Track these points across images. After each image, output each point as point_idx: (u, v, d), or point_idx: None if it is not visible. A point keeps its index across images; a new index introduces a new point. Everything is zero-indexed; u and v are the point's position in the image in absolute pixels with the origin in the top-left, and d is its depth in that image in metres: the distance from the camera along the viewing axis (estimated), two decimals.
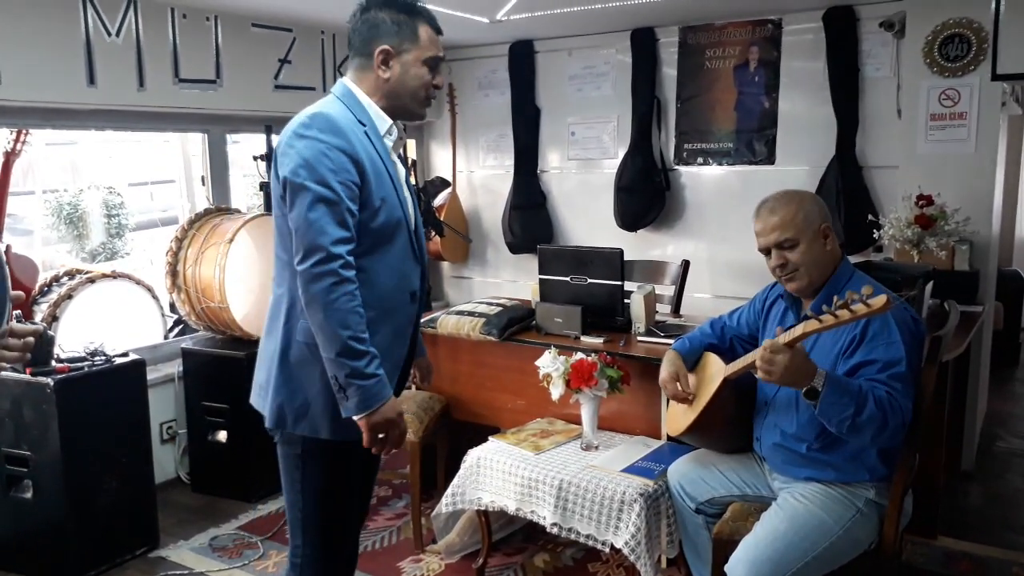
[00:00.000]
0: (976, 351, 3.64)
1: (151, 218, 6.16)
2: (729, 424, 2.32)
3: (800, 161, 4.18)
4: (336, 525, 1.98)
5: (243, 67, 3.88)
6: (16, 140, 3.35)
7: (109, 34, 3.33)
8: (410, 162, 5.13)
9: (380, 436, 1.78)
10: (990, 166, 3.61)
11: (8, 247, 3.50)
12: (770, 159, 4.29)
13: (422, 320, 3.30)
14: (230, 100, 3.83)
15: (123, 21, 3.38)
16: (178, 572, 2.98)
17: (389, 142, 1.90)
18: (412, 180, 2.16)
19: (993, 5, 3.49)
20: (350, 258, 1.74)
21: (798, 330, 1.86)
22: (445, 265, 5.40)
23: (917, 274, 2.93)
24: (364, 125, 1.84)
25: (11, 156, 3.37)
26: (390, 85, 1.87)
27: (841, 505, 2.05)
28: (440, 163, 5.31)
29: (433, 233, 4.83)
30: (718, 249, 4.48)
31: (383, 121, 1.88)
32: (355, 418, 1.75)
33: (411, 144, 5.29)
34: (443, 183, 4.99)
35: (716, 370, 2.28)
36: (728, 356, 2.34)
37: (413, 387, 2.32)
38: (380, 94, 1.88)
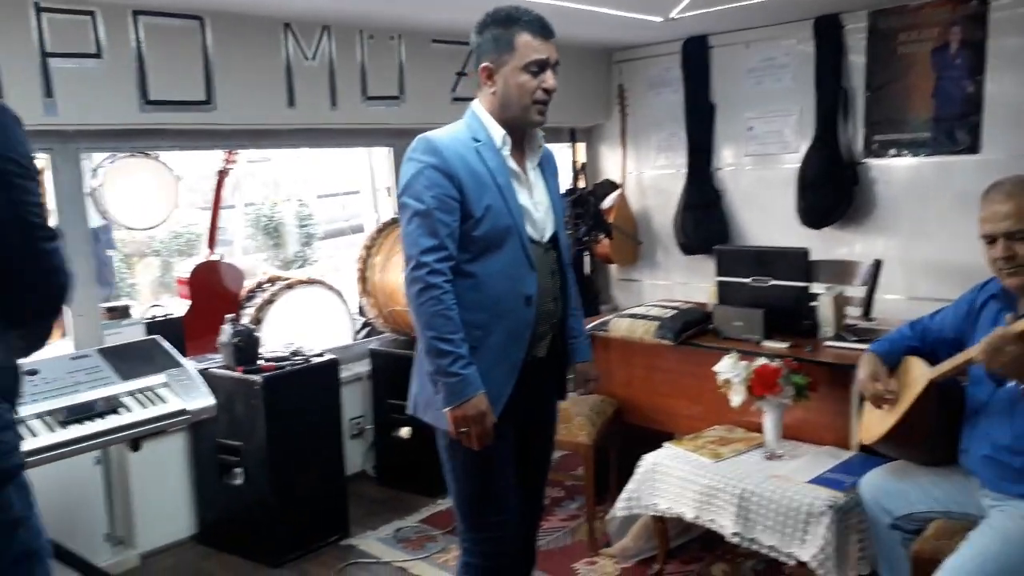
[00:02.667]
0: None
1: (339, 227, 6.61)
2: (931, 433, 2.15)
3: (1011, 148, 3.78)
4: (490, 512, 2.07)
5: (424, 82, 4.05)
6: (227, 160, 3.70)
7: (306, 58, 3.60)
8: (579, 166, 5.16)
9: (463, 430, 1.92)
10: None
11: (221, 256, 3.88)
12: (973, 148, 3.91)
13: (594, 324, 3.33)
14: (412, 114, 4.02)
15: (319, 45, 3.64)
16: (367, 560, 3.17)
17: (506, 153, 2.00)
18: (562, 189, 2.21)
19: None
20: (440, 265, 1.89)
21: (1019, 325, 1.69)
22: (613, 268, 5.37)
23: None
24: (479, 141, 1.98)
25: (223, 174, 3.72)
26: (498, 98, 1.99)
27: None
28: (610, 165, 5.29)
29: (602, 236, 4.83)
30: (913, 247, 4.14)
31: (497, 134, 2.00)
32: (444, 411, 1.92)
33: (580, 147, 5.31)
34: (612, 185, 4.98)
35: (919, 373, 2.12)
36: (930, 360, 2.17)
37: (574, 393, 2.35)
38: (494, 108, 2.01)
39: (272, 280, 3.97)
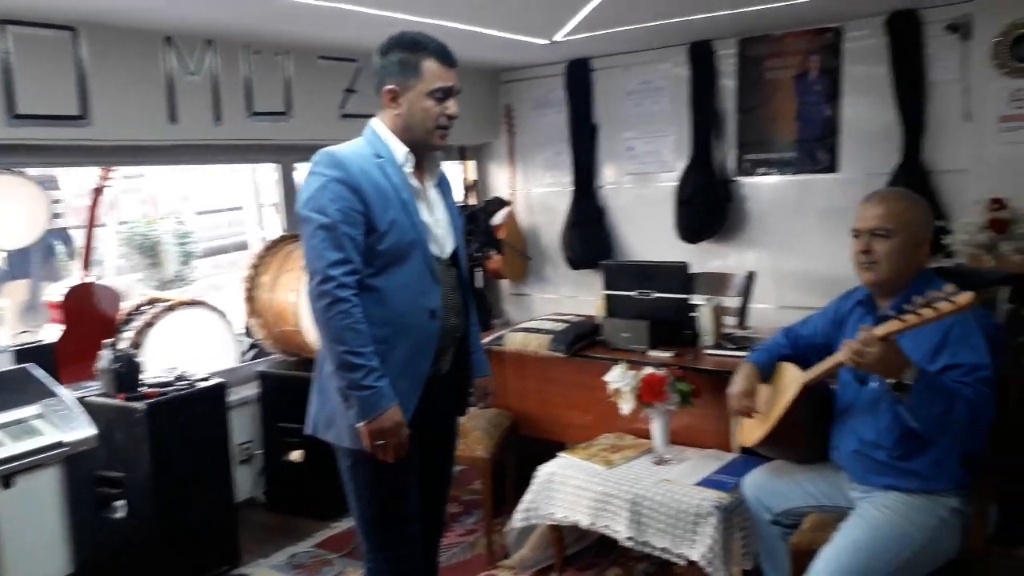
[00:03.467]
0: None
1: (221, 244, 6.40)
2: (806, 433, 2.31)
3: (864, 168, 4.12)
4: (395, 530, 2.08)
5: (311, 98, 4.01)
6: (103, 177, 3.53)
7: (189, 72, 3.49)
8: (469, 183, 5.23)
9: (379, 443, 1.92)
10: None
11: (97, 277, 3.68)
12: (832, 167, 4.23)
13: (489, 338, 3.38)
14: (300, 131, 3.97)
15: (202, 59, 3.54)
16: None
17: (409, 170, 2.04)
18: (456, 204, 2.27)
19: None
20: (348, 279, 1.91)
21: (880, 330, 1.86)
22: (504, 283, 5.46)
23: (994, 278, 2.87)
24: (381, 158, 2.01)
25: (98, 192, 3.55)
26: (402, 120, 2.03)
27: (923, 514, 2.02)
28: (499, 182, 5.38)
29: (493, 252, 4.91)
30: (782, 259, 4.43)
31: (400, 152, 2.03)
32: (357, 426, 1.91)
33: (470, 165, 5.39)
34: (501, 202, 5.07)
35: (793, 378, 2.28)
36: (802, 366, 2.33)
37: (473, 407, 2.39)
38: (397, 129, 2.05)
39: (152, 302, 3.80)
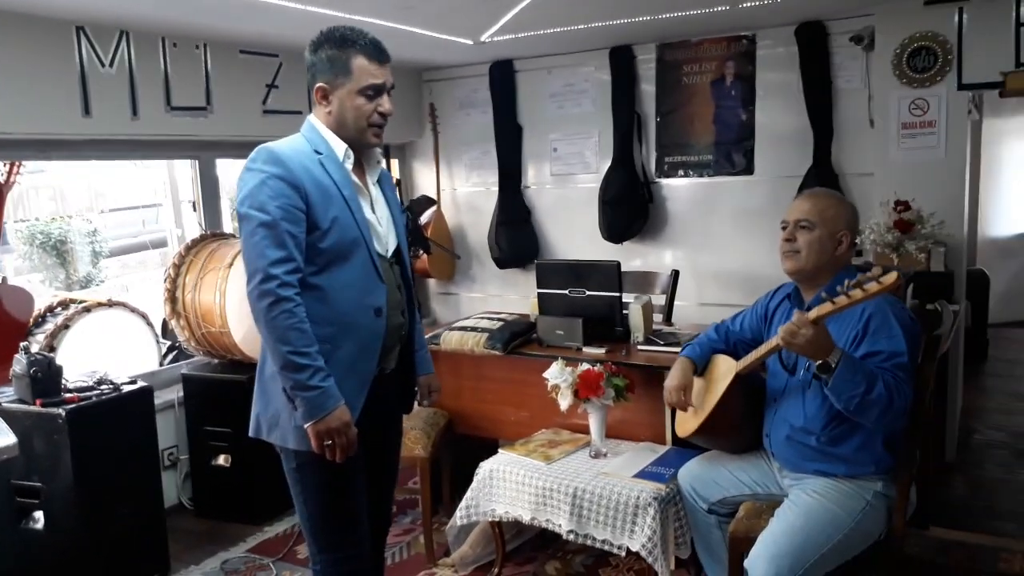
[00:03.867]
0: (953, 349, 3.80)
1: (135, 242, 6.14)
2: (739, 423, 2.42)
3: (778, 171, 4.33)
4: (344, 530, 2.06)
5: (232, 93, 3.91)
6: (10, 172, 3.35)
7: (103, 64, 3.35)
8: (395, 181, 5.18)
9: (327, 443, 1.90)
10: (960, 170, 3.80)
11: (4, 278, 3.49)
12: (749, 170, 4.43)
13: (425, 337, 3.38)
14: (220, 126, 3.86)
15: (116, 51, 3.40)
16: None
17: (349, 166, 2.01)
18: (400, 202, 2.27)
19: (956, 19, 3.68)
20: (290, 278, 1.88)
21: (812, 313, 1.99)
22: (432, 282, 5.46)
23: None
24: (321, 154, 1.97)
25: (4, 188, 3.36)
26: (333, 118, 2.01)
27: (851, 499, 2.16)
28: (425, 182, 5.37)
29: (420, 251, 4.89)
30: (700, 258, 4.61)
31: (339, 148, 2.00)
32: (304, 426, 1.89)
33: (394, 164, 5.35)
34: (428, 201, 5.06)
35: (726, 368, 2.38)
36: (734, 359, 2.44)
37: (418, 404, 2.40)
38: (330, 127, 2.02)
39: (65, 303, 3.61)
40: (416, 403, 2.38)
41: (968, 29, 3.67)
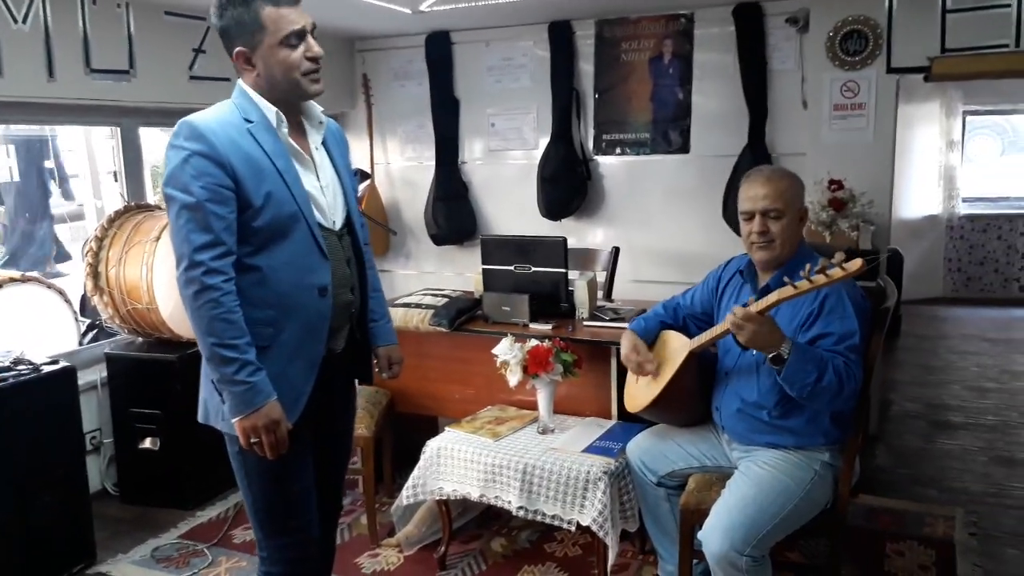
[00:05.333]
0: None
1: (60, 212, 5.77)
2: (691, 397, 2.44)
3: (714, 150, 4.39)
4: (289, 515, 1.98)
5: (157, 57, 3.70)
6: None
7: (15, 20, 3.11)
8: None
9: (254, 441, 1.81)
10: (887, 152, 3.94)
11: None
12: (685, 148, 4.48)
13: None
14: (145, 91, 3.65)
15: (30, 7, 3.16)
16: None
17: (285, 131, 1.88)
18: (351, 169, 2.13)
19: (887, 3, 3.79)
20: (217, 263, 1.75)
21: (772, 297, 2.00)
22: None
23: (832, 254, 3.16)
24: (252, 122, 1.83)
25: None
26: (264, 80, 1.85)
27: (801, 469, 2.21)
28: (358, 154, 5.22)
29: None
30: (637, 235, 4.64)
31: (271, 113, 1.86)
32: (231, 421, 1.80)
33: None
34: (363, 175, 4.93)
35: (679, 345, 2.39)
36: (683, 334, 2.46)
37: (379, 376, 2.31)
38: (262, 90, 1.87)
39: None
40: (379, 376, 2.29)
41: (897, 14, 3.78)
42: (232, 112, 1.85)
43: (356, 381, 2.26)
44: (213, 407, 1.92)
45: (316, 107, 2.00)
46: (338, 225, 2.00)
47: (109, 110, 3.65)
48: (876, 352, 2.29)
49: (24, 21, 3.15)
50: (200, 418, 1.97)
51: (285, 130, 1.89)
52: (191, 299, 1.75)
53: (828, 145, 3.98)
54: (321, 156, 1.99)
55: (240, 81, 1.89)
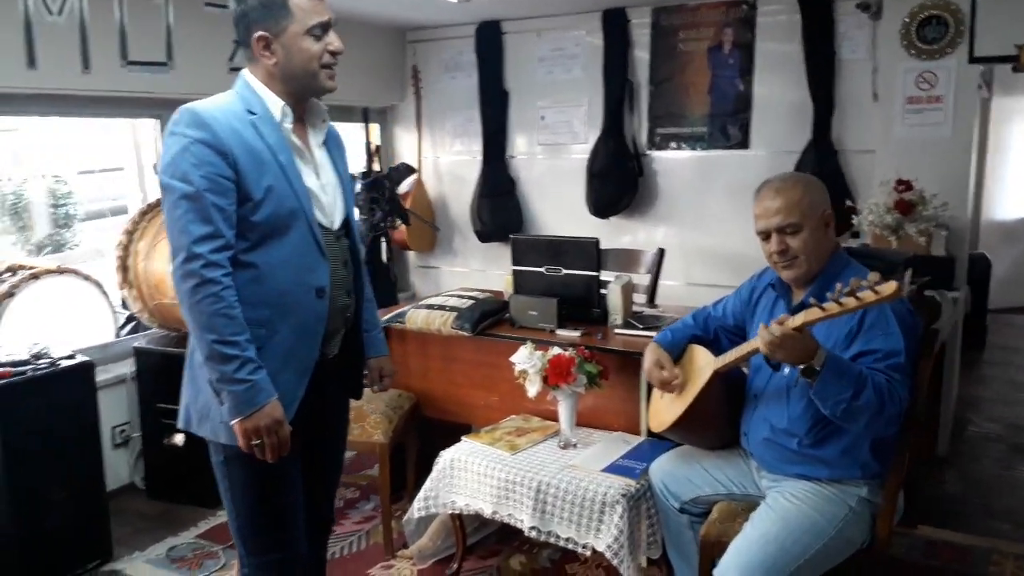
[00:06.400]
0: (951, 337, 3.60)
1: (100, 207, 5.90)
2: (717, 419, 2.23)
3: (775, 145, 4.10)
4: (273, 531, 1.88)
5: (196, 49, 3.67)
6: None
7: (50, 12, 3.11)
8: (373, 148, 4.96)
9: (256, 443, 1.72)
10: (966, 150, 3.58)
11: None
12: (744, 144, 4.20)
13: (390, 315, 3.18)
14: (183, 84, 3.62)
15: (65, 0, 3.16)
16: None
17: (289, 126, 1.80)
18: (351, 169, 2.04)
19: None
20: (216, 256, 1.67)
21: (799, 319, 1.77)
22: (411, 255, 5.25)
23: (898, 261, 2.85)
24: (255, 114, 1.76)
25: None
26: (280, 69, 1.78)
27: (833, 504, 1.97)
28: (405, 148, 5.14)
29: (399, 222, 4.68)
30: (691, 236, 4.40)
31: (276, 107, 1.79)
32: (230, 423, 1.70)
33: (374, 128, 5.11)
34: (408, 169, 4.83)
35: (705, 362, 2.18)
36: (714, 348, 2.25)
37: (369, 390, 2.20)
38: (275, 80, 1.79)
39: (13, 269, 3.40)
40: (369, 389, 2.19)
41: None
42: (235, 102, 1.78)
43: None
44: (197, 412, 1.84)
45: (321, 106, 1.93)
46: (336, 225, 1.92)
47: (148, 102, 3.64)
48: (925, 375, 2.01)
49: (59, 13, 3.15)
50: (181, 424, 1.90)
51: (289, 125, 1.81)
52: (189, 293, 1.67)
53: (900, 141, 3.64)
54: (322, 155, 1.93)
55: (245, 72, 1.83)
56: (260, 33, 1.75)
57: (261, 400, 1.70)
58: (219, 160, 1.69)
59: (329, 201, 1.89)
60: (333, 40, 1.80)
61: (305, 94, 1.84)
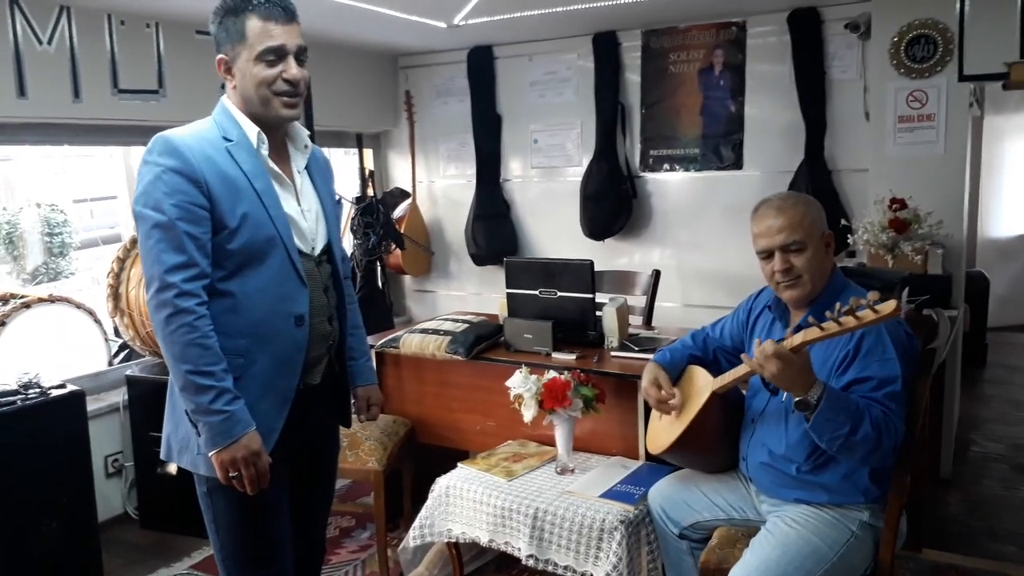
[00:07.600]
0: (951, 356, 3.58)
1: (93, 236, 5.88)
2: (716, 441, 2.19)
3: (768, 165, 4.10)
4: (259, 564, 1.84)
5: (187, 76, 3.67)
6: None
7: (40, 42, 3.12)
8: (368, 173, 4.96)
9: (234, 476, 1.68)
10: (959, 168, 3.57)
11: None
12: (737, 164, 4.21)
13: (384, 340, 3.16)
14: (174, 111, 3.62)
15: (55, 29, 3.16)
16: None
17: (265, 152, 1.77)
18: (336, 194, 2.01)
19: (958, 5, 3.45)
20: (190, 286, 1.65)
21: (798, 338, 1.74)
22: (407, 279, 5.23)
23: (895, 280, 2.84)
24: (231, 140, 1.74)
25: None
26: (239, 93, 1.76)
27: (835, 529, 1.93)
28: (399, 173, 5.14)
29: (394, 246, 4.67)
30: (687, 257, 4.38)
31: (252, 132, 1.76)
32: (208, 454, 1.67)
33: (368, 154, 5.12)
34: (403, 194, 4.83)
35: (703, 383, 2.15)
36: (712, 369, 2.22)
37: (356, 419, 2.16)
38: (239, 105, 1.77)
39: (4, 298, 3.38)
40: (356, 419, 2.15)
41: (971, 16, 3.43)
42: (211, 129, 1.76)
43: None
44: (177, 443, 1.80)
45: (303, 130, 1.91)
46: (317, 251, 1.88)
47: (139, 130, 3.63)
48: (922, 397, 1.99)
49: (49, 42, 3.16)
50: (163, 455, 1.86)
51: (265, 151, 1.78)
52: (163, 324, 1.64)
53: (893, 160, 3.64)
54: (303, 180, 1.89)
55: (224, 97, 1.81)
56: (220, 56, 1.75)
57: (238, 432, 1.66)
58: (192, 188, 1.65)
59: (310, 227, 1.86)
60: (290, 67, 1.73)
61: (265, 121, 1.78)
